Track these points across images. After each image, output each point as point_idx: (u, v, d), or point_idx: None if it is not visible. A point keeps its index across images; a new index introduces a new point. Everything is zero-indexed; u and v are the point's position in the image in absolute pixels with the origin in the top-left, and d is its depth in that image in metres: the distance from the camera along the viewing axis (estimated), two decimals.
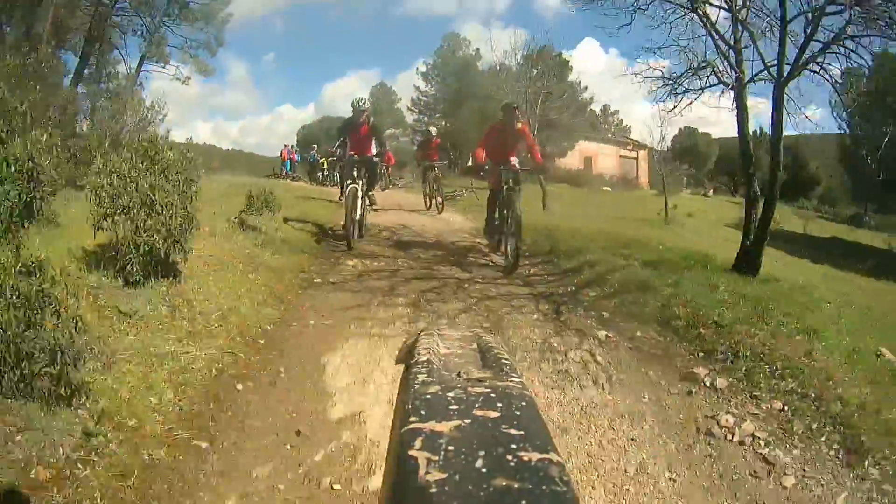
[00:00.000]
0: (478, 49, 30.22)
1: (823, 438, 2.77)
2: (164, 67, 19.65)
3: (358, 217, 7.37)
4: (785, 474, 2.52)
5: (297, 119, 76.35)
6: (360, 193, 7.49)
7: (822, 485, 2.47)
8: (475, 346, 0.91)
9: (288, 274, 5.11)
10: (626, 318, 4.31)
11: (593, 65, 64.33)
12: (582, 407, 3.02)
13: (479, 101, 25.31)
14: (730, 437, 2.81)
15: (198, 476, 2.26)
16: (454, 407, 0.66)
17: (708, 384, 3.29)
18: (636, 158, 33.71)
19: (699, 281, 4.87)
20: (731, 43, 5.89)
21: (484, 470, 0.54)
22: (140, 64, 19.28)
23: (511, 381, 0.74)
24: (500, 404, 0.67)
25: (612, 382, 3.31)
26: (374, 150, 7.84)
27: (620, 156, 33.13)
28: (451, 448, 0.58)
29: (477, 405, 0.66)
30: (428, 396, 0.69)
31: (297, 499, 2.22)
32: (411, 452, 0.57)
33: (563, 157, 28.29)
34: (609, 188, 27.76)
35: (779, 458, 2.63)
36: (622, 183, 29.93)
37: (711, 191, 32.48)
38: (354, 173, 7.63)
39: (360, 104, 8.03)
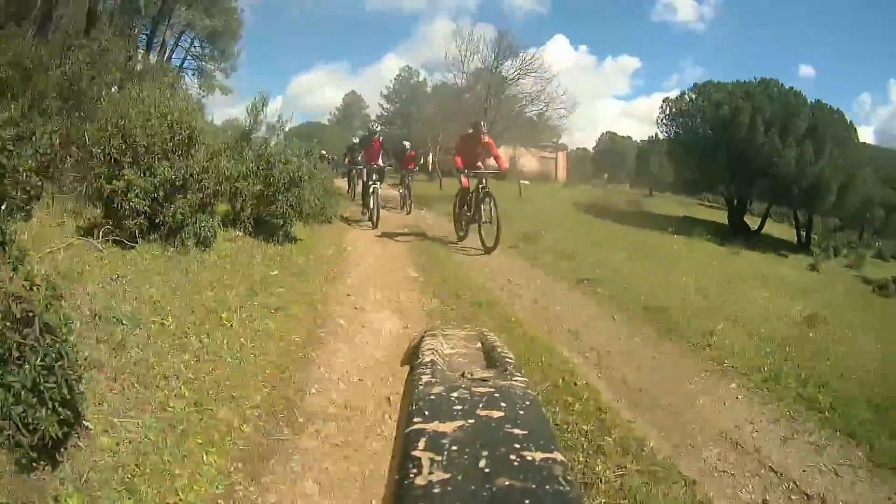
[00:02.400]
0: (425, 79, 40.33)
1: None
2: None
3: (377, 206, 10.79)
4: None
5: (265, 112, 79.84)
6: (378, 191, 11.02)
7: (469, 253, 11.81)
8: (479, 345, 0.95)
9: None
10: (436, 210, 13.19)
11: (563, 61, 69.97)
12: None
13: (426, 117, 35.17)
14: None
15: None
16: (458, 407, 0.68)
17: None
18: (555, 158, 43.72)
19: None
20: None
21: (487, 470, 0.56)
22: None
23: (514, 380, 0.75)
24: (503, 404, 0.68)
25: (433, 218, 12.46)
26: (381, 161, 11.64)
27: (541, 156, 42.67)
28: (454, 448, 0.59)
29: (480, 405, 0.67)
30: (432, 397, 0.70)
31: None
32: (415, 453, 0.59)
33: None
34: (527, 182, 36.87)
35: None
36: (540, 178, 39.31)
37: (609, 184, 42.46)
38: (374, 176, 11.20)
39: (374, 128, 13.14)
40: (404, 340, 4.24)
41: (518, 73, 22.65)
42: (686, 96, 27.97)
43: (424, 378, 0.77)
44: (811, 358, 5.12)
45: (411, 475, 0.56)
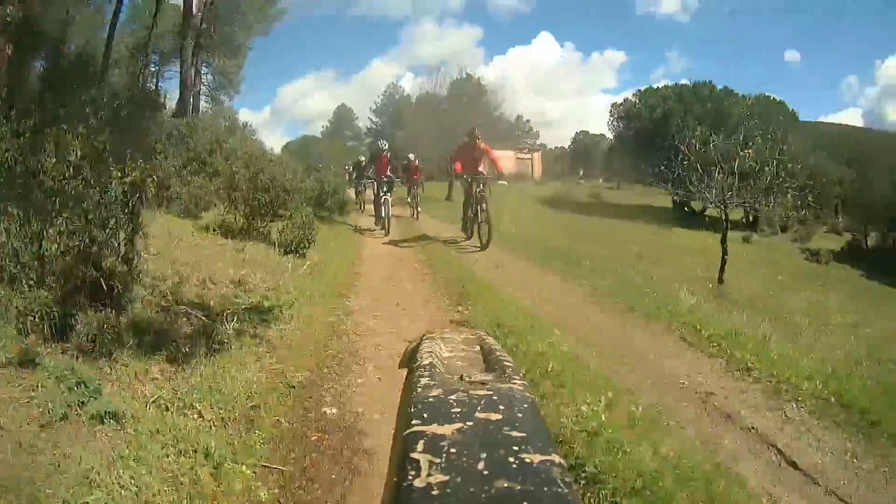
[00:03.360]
0: (408, 95, 47.02)
1: None
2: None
3: (388, 215, 12.79)
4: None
5: (253, 123, 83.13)
6: (389, 201, 13.01)
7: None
8: (478, 348, 0.96)
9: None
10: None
11: (549, 57, 73.33)
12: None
13: (411, 129, 41.55)
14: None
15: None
16: (456, 410, 0.68)
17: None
18: (531, 159, 50.13)
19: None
20: None
21: (486, 472, 0.56)
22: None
23: (513, 383, 0.77)
24: (502, 407, 0.69)
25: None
26: (389, 173, 13.60)
27: (518, 157, 48.52)
28: (453, 451, 0.60)
29: (479, 408, 0.68)
30: (430, 399, 0.71)
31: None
32: (413, 455, 0.59)
33: None
34: (505, 182, 42.24)
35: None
36: (517, 178, 45.14)
37: (582, 180, 48.32)
38: (385, 188, 13.12)
39: (383, 145, 14.63)
40: (389, 253, 10.49)
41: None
42: (629, 101, 34.04)
43: (423, 381, 0.79)
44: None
45: (410, 477, 0.57)
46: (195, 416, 3.32)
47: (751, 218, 28.06)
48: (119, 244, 4.04)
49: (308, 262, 7.71)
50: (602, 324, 6.36)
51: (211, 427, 3.27)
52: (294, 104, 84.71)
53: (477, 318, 5.64)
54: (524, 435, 0.64)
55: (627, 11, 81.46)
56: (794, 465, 3.57)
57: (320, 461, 3.15)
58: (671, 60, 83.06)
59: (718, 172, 10.17)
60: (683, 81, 32.02)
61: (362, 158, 19.01)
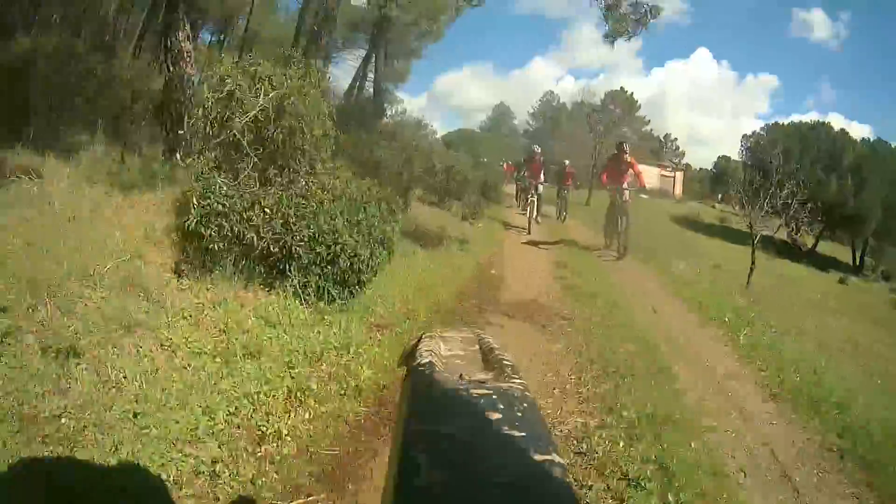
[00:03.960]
0: (564, 104, 50.74)
1: None
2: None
3: (535, 216, 13.99)
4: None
5: (410, 108, 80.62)
6: (537, 204, 14.14)
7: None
8: (477, 347, 0.97)
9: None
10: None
11: (707, 73, 73.80)
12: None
13: (563, 136, 45.40)
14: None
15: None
16: (456, 409, 0.70)
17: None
18: (673, 177, 52.38)
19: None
20: None
21: (486, 472, 0.58)
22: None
23: (513, 382, 0.77)
24: (501, 406, 0.70)
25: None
26: (542, 177, 14.53)
27: (661, 175, 50.65)
28: (453, 450, 0.61)
29: (479, 407, 0.69)
30: (430, 399, 0.73)
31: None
32: (413, 454, 0.60)
33: None
34: (647, 196, 43.78)
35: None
36: (659, 194, 45.93)
37: (720, 203, 49.85)
38: (534, 191, 14.10)
39: (536, 149, 15.35)
40: (530, 242, 13.99)
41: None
42: (757, 133, 36.16)
43: (422, 380, 0.79)
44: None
45: (410, 477, 0.58)
46: (441, 265, 8.28)
47: (857, 261, 30.45)
48: (405, 195, 9.01)
49: (479, 226, 12.61)
50: (635, 280, 10.27)
51: (451, 266, 8.46)
52: (451, 94, 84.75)
53: (565, 262, 10.46)
54: (523, 434, 0.67)
55: (782, 32, 78.16)
56: (654, 310, 7.85)
57: (489, 280, 8.42)
58: (821, 91, 77.39)
59: (757, 204, 12.60)
60: (801, 118, 33.27)
61: (522, 160, 20.13)
